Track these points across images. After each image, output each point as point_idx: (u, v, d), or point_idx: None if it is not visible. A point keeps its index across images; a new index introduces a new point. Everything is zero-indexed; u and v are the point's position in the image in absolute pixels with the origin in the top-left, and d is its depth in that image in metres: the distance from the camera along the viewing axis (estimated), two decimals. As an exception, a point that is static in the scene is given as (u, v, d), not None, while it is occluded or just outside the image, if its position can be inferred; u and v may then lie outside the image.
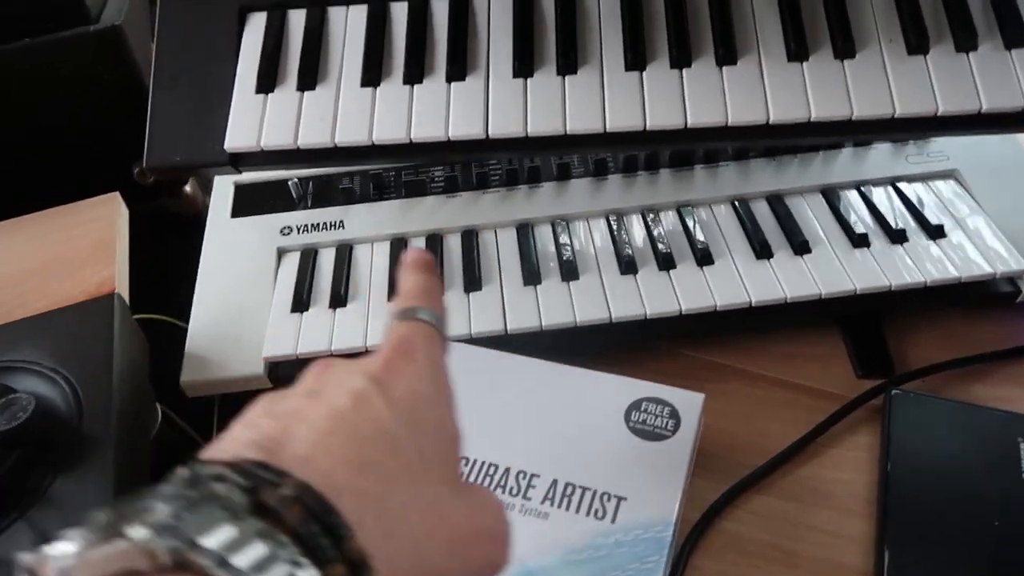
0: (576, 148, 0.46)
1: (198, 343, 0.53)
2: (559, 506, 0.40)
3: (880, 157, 0.60)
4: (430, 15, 0.49)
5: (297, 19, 0.50)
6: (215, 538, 0.17)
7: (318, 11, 0.50)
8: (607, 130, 0.45)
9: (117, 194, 0.69)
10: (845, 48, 0.45)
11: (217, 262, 0.58)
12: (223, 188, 0.63)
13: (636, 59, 0.46)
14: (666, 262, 0.54)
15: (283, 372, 0.52)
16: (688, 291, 0.52)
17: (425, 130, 0.45)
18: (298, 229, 0.59)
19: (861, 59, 0.45)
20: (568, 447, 0.42)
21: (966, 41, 0.45)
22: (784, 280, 0.52)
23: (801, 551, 0.44)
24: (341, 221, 0.59)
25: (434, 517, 0.23)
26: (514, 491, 0.41)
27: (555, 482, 0.41)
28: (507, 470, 0.41)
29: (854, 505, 0.46)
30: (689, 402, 0.44)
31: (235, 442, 0.22)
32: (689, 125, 0.44)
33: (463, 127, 0.45)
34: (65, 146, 0.78)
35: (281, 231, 0.59)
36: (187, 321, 0.55)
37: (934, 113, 0.43)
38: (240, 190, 0.63)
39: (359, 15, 0.49)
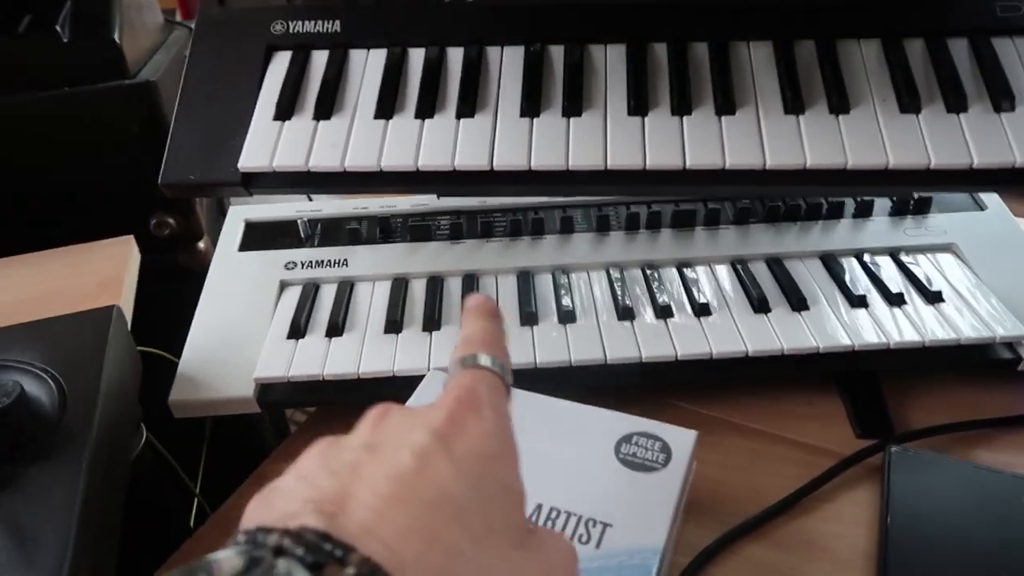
0: (577, 187, 0.47)
1: (191, 364, 0.53)
2: None
3: (879, 228, 0.61)
4: (445, 61, 0.52)
5: (319, 58, 0.53)
6: None
7: (340, 52, 0.53)
8: (608, 167, 0.46)
9: (131, 237, 0.71)
10: (840, 104, 0.47)
11: (219, 291, 0.59)
12: (234, 224, 0.65)
13: (639, 105, 0.48)
14: (664, 311, 0.54)
15: (273, 397, 0.51)
16: (684, 338, 0.52)
17: (432, 159, 0.47)
18: (302, 264, 0.60)
19: (855, 114, 0.47)
20: (556, 475, 0.41)
21: (956, 103, 0.47)
22: (781, 333, 0.52)
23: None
24: (345, 259, 0.60)
25: None
26: None
27: (539, 506, 0.39)
28: None
29: (852, 559, 0.43)
30: (681, 437, 0.43)
31: (292, 499, 0.21)
32: (688, 166, 0.46)
33: (469, 158, 0.47)
34: (90, 193, 0.81)
35: (285, 265, 0.60)
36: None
37: (927, 166, 0.45)
38: (250, 227, 0.64)
39: (378, 58, 0.52)
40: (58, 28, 0.76)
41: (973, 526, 0.44)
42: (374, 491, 0.21)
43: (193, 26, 0.54)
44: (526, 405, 0.44)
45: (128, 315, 0.57)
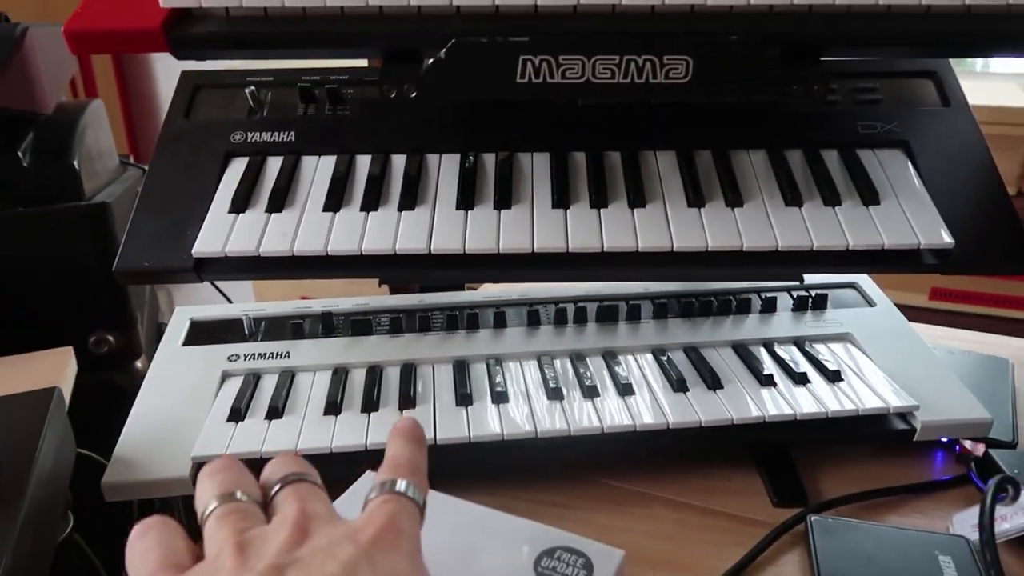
0: (506, 270, 0.52)
1: (128, 449, 0.54)
2: None
3: (782, 322, 0.67)
4: (389, 164, 0.58)
5: (274, 163, 0.58)
6: None
7: (293, 158, 0.58)
8: (535, 250, 0.51)
9: (70, 348, 0.72)
10: (734, 199, 0.54)
11: (160, 381, 0.60)
12: (179, 322, 0.67)
13: (561, 199, 0.54)
14: (590, 392, 0.57)
15: (210, 477, 0.52)
16: (609, 413, 0.55)
17: (375, 244, 0.51)
18: (245, 357, 0.62)
19: (748, 207, 0.54)
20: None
21: (831, 199, 0.54)
22: (699, 407, 0.56)
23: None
24: (288, 352, 0.62)
25: None
26: None
27: None
28: None
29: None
30: (607, 556, 0.40)
31: None
32: (605, 249, 0.51)
33: (409, 242, 0.51)
34: (35, 307, 0.82)
35: (228, 358, 0.62)
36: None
37: (810, 247, 0.51)
38: (195, 324, 0.66)
39: (328, 162, 0.58)
40: (19, 154, 0.81)
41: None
42: None
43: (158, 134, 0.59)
44: (447, 509, 0.43)
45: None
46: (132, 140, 1.74)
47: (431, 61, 0.44)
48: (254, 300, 1.12)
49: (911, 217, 0.53)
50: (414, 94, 0.46)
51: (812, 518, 0.51)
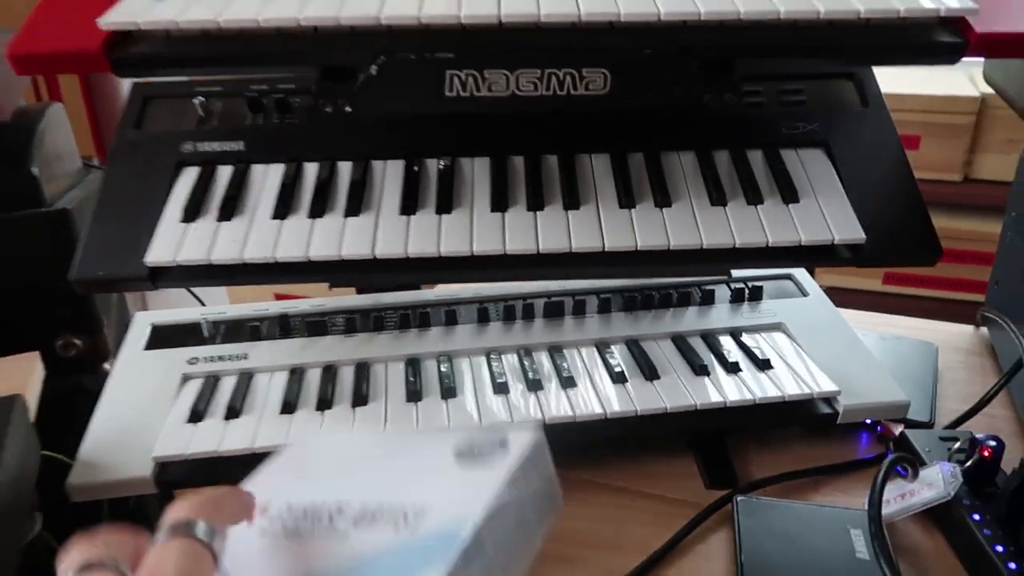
0: (447, 272, 0.55)
1: (91, 451, 0.56)
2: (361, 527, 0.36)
3: (721, 313, 0.71)
4: (336, 172, 0.60)
5: (224, 172, 0.60)
6: None
7: (243, 167, 0.60)
8: (473, 253, 0.54)
9: (36, 352, 0.74)
10: (663, 200, 0.57)
11: (122, 385, 0.62)
12: (140, 327, 0.69)
13: (499, 203, 0.57)
14: (534, 385, 0.60)
15: (170, 476, 0.54)
16: (552, 406, 0.58)
17: (322, 250, 0.54)
18: (204, 359, 0.64)
19: (676, 207, 0.57)
20: (388, 479, 0.39)
21: (754, 198, 0.57)
22: (636, 398, 0.59)
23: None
24: (246, 354, 0.65)
25: None
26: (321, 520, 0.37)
27: (364, 505, 0.36)
28: (319, 505, 0.37)
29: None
30: (523, 432, 0.40)
31: None
32: (540, 251, 0.54)
33: (354, 247, 0.54)
34: (1, 313, 0.83)
35: (188, 361, 0.64)
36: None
37: (732, 245, 0.55)
38: (155, 329, 0.69)
39: (276, 171, 0.60)
40: (-23, 161, 0.81)
41: (810, 552, 0.50)
42: None
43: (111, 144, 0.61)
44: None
45: (31, 417, 0.60)
46: (98, 140, 1.74)
47: (363, 78, 0.47)
48: (227, 301, 1.13)
49: (827, 214, 0.56)
50: (349, 109, 0.49)
51: (738, 498, 0.55)
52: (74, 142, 1.01)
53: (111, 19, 0.45)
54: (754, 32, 0.47)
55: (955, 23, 0.47)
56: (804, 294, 0.74)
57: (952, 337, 0.80)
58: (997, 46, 0.47)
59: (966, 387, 0.71)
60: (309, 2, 0.46)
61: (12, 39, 0.45)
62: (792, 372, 0.63)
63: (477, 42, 0.45)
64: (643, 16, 0.46)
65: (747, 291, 0.72)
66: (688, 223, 0.56)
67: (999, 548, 0.48)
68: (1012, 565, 0.47)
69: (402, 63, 0.46)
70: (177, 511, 0.29)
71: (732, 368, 0.63)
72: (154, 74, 0.49)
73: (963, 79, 1.57)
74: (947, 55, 0.48)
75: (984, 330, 0.79)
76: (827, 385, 0.61)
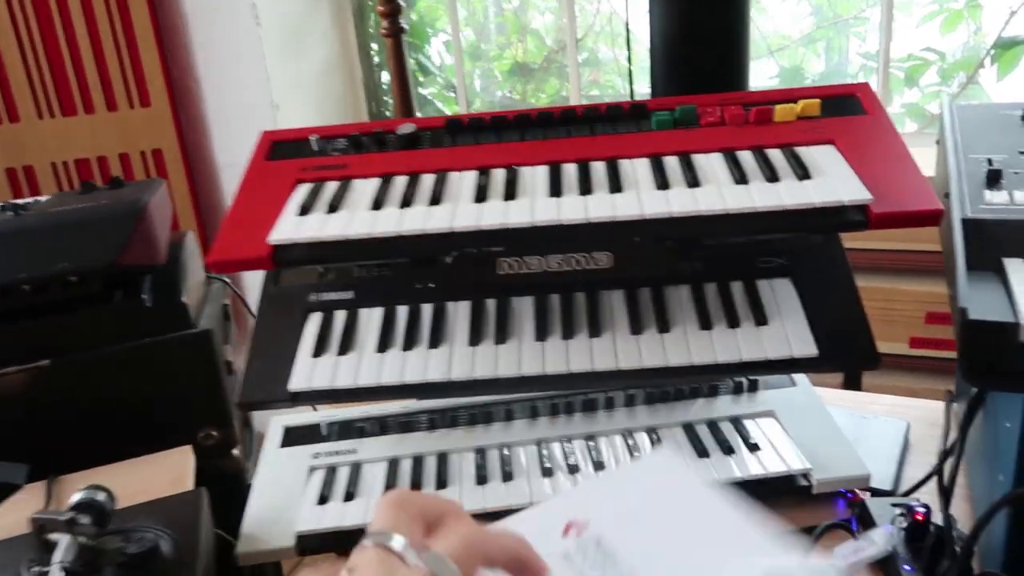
0: (502, 388, 0.75)
1: (249, 527, 0.77)
2: None
3: (723, 403, 0.89)
4: (420, 314, 0.81)
5: (340, 316, 0.82)
6: None
7: (353, 311, 0.82)
8: (522, 374, 0.74)
9: (190, 447, 0.96)
10: (663, 327, 0.76)
11: (266, 476, 0.84)
12: (275, 430, 0.91)
13: (541, 335, 0.77)
14: (573, 468, 0.80)
15: (307, 545, 0.75)
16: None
17: (413, 375, 0.75)
18: (325, 454, 0.86)
19: (673, 332, 0.76)
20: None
21: (732, 322, 0.76)
22: (651, 477, 0.78)
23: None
24: (355, 449, 0.86)
25: None
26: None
27: None
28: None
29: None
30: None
31: None
32: (572, 371, 0.74)
33: (437, 373, 0.75)
34: (157, 413, 1.07)
35: (312, 455, 0.86)
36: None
37: (714, 361, 0.73)
38: (287, 430, 0.91)
39: (378, 313, 0.82)
40: (143, 296, 1.06)
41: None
42: None
43: (259, 296, 0.84)
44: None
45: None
46: (204, 242, 2.03)
47: (442, 265, 0.68)
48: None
49: (790, 334, 0.74)
50: (432, 286, 0.70)
51: (729, 555, 0.72)
52: (200, 261, 1.25)
53: (275, 237, 0.68)
54: (710, 221, 0.66)
55: (860, 207, 0.66)
56: (793, 384, 0.91)
57: (928, 413, 0.96)
58: (891, 221, 0.65)
59: (932, 457, 0.86)
60: (405, 216, 0.69)
61: (211, 249, 0.68)
62: (776, 453, 0.80)
63: (518, 239, 0.66)
64: (632, 215, 0.66)
65: (746, 384, 0.90)
66: (682, 345, 0.75)
67: (921, 591, 0.64)
68: (929, 604, 0.63)
69: (468, 255, 0.67)
70: (373, 524, 0.37)
71: (728, 451, 0.80)
72: (302, 267, 0.71)
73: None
74: (856, 228, 0.66)
75: (955, 405, 0.95)
76: (802, 463, 0.78)
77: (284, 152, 0.81)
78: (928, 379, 1.69)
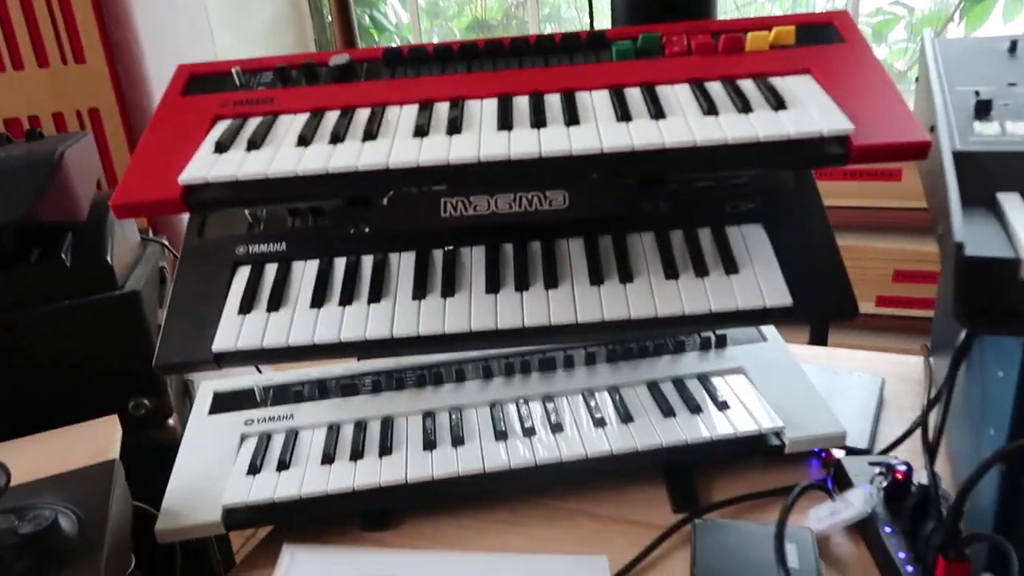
0: (451, 345, 0.68)
1: (171, 501, 0.70)
2: None
3: (690, 360, 0.83)
4: (359, 266, 0.74)
5: (270, 269, 0.74)
6: None
7: (285, 264, 0.74)
8: (472, 330, 0.67)
9: (115, 416, 0.88)
10: (625, 276, 0.70)
11: (193, 445, 0.76)
12: (204, 395, 0.83)
13: (492, 286, 0.70)
14: (529, 431, 0.73)
15: (235, 519, 0.68)
16: (542, 449, 0.71)
17: (351, 333, 0.68)
18: (258, 421, 0.78)
19: (636, 283, 0.70)
20: None
21: (700, 271, 0.70)
22: (612, 440, 0.72)
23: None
24: (291, 414, 0.79)
25: None
26: None
27: None
28: None
29: (660, 593, 0.61)
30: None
31: None
32: (526, 325, 0.67)
33: (378, 330, 0.67)
34: (82, 382, 0.98)
35: (245, 422, 0.78)
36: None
37: (681, 313, 0.67)
38: (217, 396, 0.83)
39: (312, 266, 0.74)
40: (62, 256, 0.97)
41: (753, 564, 0.62)
42: None
43: (177, 243, 0.76)
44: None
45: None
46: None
47: (378, 206, 0.61)
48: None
49: (762, 284, 0.68)
50: (367, 230, 0.62)
51: (695, 521, 0.67)
52: (135, 223, 1.16)
53: (187, 176, 0.59)
54: (677, 155, 0.59)
55: (840, 139, 0.60)
56: (764, 339, 0.86)
57: (903, 368, 0.91)
58: (873, 154, 0.59)
59: (908, 414, 0.82)
60: (335, 153, 0.61)
61: (114, 192, 0.59)
62: (746, 411, 0.75)
63: (463, 177, 0.59)
64: (589, 150, 0.59)
65: (713, 339, 0.85)
66: (646, 296, 0.68)
67: (902, 554, 0.59)
68: (909, 568, 0.58)
69: (407, 195, 0.59)
70: None
71: (695, 410, 0.75)
72: (219, 210, 0.63)
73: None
74: (835, 163, 0.60)
75: (932, 360, 0.90)
76: (774, 422, 0.73)
77: (202, 86, 0.72)
78: (895, 338, 1.66)
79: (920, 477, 0.62)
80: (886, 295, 1.68)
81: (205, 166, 0.60)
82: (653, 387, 0.79)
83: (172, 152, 0.64)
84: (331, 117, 0.66)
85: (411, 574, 0.53)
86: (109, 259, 0.99)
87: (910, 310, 1.70)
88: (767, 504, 0.71)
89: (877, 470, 0.67)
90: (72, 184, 0.99)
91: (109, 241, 1.01)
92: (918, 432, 0.76)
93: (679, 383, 0.79)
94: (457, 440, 0.73)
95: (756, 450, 0.73)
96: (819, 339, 1.63)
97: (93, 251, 0.99)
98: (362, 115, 0.66)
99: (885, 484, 0.65)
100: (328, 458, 0.72)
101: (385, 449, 0.73)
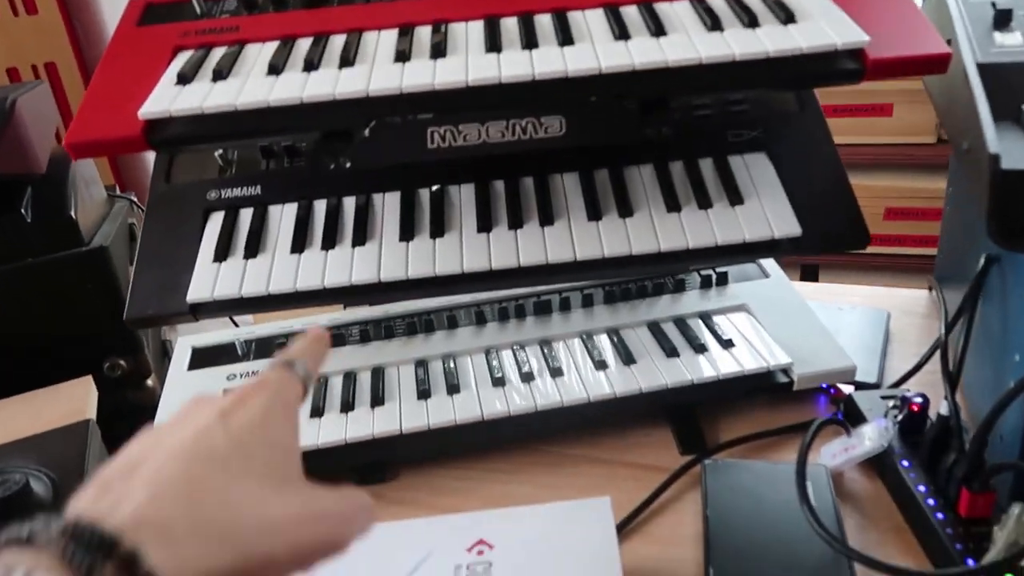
0: (443, 288, 0.64)
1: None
2: None
3: (691, 299, 0.80)
4: (341, 209, 0.69)
5: (245, 215, 0.69)
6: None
7: (261, 209, 0.69)
8: (464, 271, 0.63)
9: (89, 376, 0.84)
10: (624, 211, 0.66)
11: (171, 404, 0.72)
12: (182, 351, 0.79)
13: (484, 225, 0.66)
14: (527, 377, 0.70)
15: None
16: (543, 394, 0.68)
17: (335, 279, 0.63)
18: (240, 376, 0.74)
19: (637, 217, 0.66)
20: None
21: (704, 203, 0.66)
22: (615, 382, 0.68)
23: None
24: (276, 368, 0.74)
25: (253, 511, 0.31)
26: None
27: None
28: None
29: (685, 542, 0.59)
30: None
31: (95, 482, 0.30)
32: (521, 264, 0.63)
33: (362, 274, 0.63)
34: (53, 344, 0.94)
35: (227, 378, 0.74)
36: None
37: (686, 247, 0.63)
38: (196, 351, 0.79)
39: (290, 210, 0.69)
40: (22, 211, 0.91)
41: (767, 503, 0.60)
42: (155, 461, 0.31)
43: (146, 199, 0.70)
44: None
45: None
46: (114, 164, 1.85)
47: (358, 139, 0.56)
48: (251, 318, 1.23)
49: (768, 213, 0.65)
50: (348, 164, 0.58)
51: (705, 462, 0.64)
52: (98, 175, 1.10)
53: (148, 109, 0.54)
54: (681, 74, 0.55)
55: (854, 53, 0.56)
56: (766, 275, 0.83)
57: (907, 302, 0.89)
58: (889, 68, 0.55)
59: (916, 348, 0.79)
60: (309, 81, 0.55)
61: (68, 130, 0.54)
62: (752, 348, 0.72)
63: (450, 102, 0.54)
64: (587, 70, 0.54)
65: (714, 277, 0.81)
66: (647, 230, 0.65)
67: (922, 488, 0.57)
68: (931, 501, 0.56)
69: (390, 125, 0.55)
70: (282, 355, 0.39)
71: (700, 349, 0.72)
72: (186, 149, 0.58)
73: (931, 43, 1.63)
74: (850, 79, 0.56)
75: (935, 293, 0.88)
76: (782, 358, 0.70)
77: (160, 15, 0.66)
78: (889, 277, 1.64)
79: (935, 410, 0.60)
80: (877, 233, 1.65)
81: (167, 99, 0.55)
82: (654, 327, 0.76)
83: (130, 86, 0.58)
84: (303, 44, 0.61)
85: (412, 543, 0.50)
86: (73, 214, 0.93)
87: (902, 248, 1.68)
88: (776, 444, 0.68)
89: (891, 403, 0.65)
90: (27, 134, 0.93)
91: (72, 195, 0.96)
92: (929, 366, 0.74)
93: (681, 323, 0.76)
94: (453, 388, 0.69)
95: (763, 388, 0.71)
96: (810, 277, 1.61)
97: (54, 206, 0.94)
98: (337, 41, 0.61)
99: (900, 417, 0.62)
100: (317, 411, 0.68)
101: (377, 400, 0.69)
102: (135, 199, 1.12)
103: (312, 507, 0.33)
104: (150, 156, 1.99)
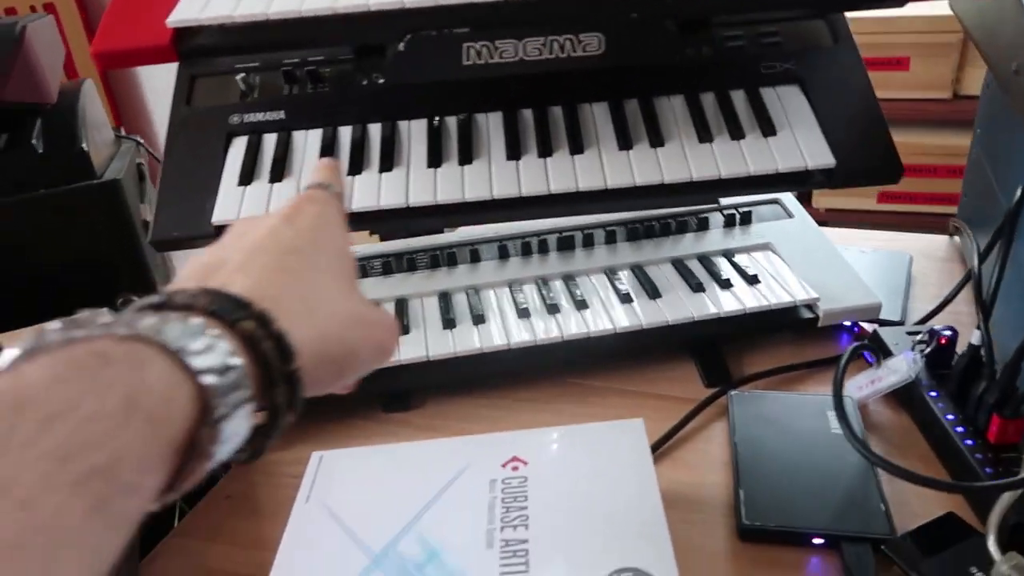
0: (473, 215, 0.64)
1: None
2: None
3: (714, 237, 0.79)
4: (367, 135, 0.68)
5: (270, 139, 0.68)
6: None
7: (285, 134, 0.68)
8: (494, 197, 0.63)
9: (104, 310, 0.83)
10: (656, 140, 0.65)
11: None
12: (202, 281, 0.78)
13: (513, 152, 0.65)
14: (552, 309, 0.70)
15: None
16: (569, 325, 0.67)
17: (363, 202, 0.63)
18: (263, 305, 0.73)
19: (668, 147, 0.65)
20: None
21: (736, 134, 0.65)
22: (641, 314, 0.68)
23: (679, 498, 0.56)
24: (298, 298, 0.74)
25: (335, 301, 0.33)
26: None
27: None
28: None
29: (715, 467, 0.59)
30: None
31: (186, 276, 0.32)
32: (551, 191, 0.63)
33: (391, 199, 0.63)
34: (64, 278, 0.93)
35: (249, 307, 0.73)
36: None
37: (718, 176, 0.63)
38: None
39: (315, 135, 0.68)
40: (33, 142, 0.90)
41: (793, 432, 0.60)
42: (241, 255, 0.32)
43: (167, 124, 0.69)
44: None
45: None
46: (116, 112, 1.82)
47: (392, 53, 0.54)
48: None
49: (802, 144, 0.64)
50: (381, 81, 0.56)
51: (731, 392, 0.64)
52: (105, 115, 1.09)
53: (176, 18, 0.53)
54: (725, -10, 0.54)
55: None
56: (790, 216, 0.82)
57: (928, 246, 0.88)
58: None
59: (937, 290, 0.79)
60: (343, -10, 0.54)
61: (94, 38, 0.53)
62: (778, 284, 0.71)
63: (489, 16, 0.53)
64: (629, -17, 0.53)
65: (738, 216, 0.81)
66: (679, 159, 0.64)
67: (950, 417, 0.57)
68: (960, 429, 0.56)
69: (425, 39, 0.53)
70: (312, 178, 0.40)
71: (725, 284, 0.71)
72: (214, 61, 0.56)
73: (950, -3, 1.60)
74: (893, 1, 0.55)
75: (956, 238, 0.87)
76: (808, 293, 0.70)
77: (186, -72, 0.64)
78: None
79: (962, 345, 0.60)
80: (888, 190, 1.65)
81: (197, 7, 0.54)
82: (678, 263, 0.75)
83: (156, -3, 0.57)
84: (335, -43, 0.59)
85: (447, 460, 0.50)
86: (84, 146, 0.92)
87: (913, 205, 1.67)
88: (800, 378, 0.68)
89: (918, 337, 0.64)
90: (38, 60, 0.91)
91: (82, 128, 0.94)
92: (951, 307, 0.74)
93: (705, 259, 0.76)
94: (478, 319, 0.69)
95: (788, 323, 0.71)
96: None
97: (66, 137, 0.92)
98: (369, -44, 0.59)
99: (928, 351, 0.62)
100: (342, 339, 0.68)
101: (402, 328, 0.69)
102: (142, 140, 1.11)
103: (375, 310, 0.35)
104: (153, 102, 1.96)
